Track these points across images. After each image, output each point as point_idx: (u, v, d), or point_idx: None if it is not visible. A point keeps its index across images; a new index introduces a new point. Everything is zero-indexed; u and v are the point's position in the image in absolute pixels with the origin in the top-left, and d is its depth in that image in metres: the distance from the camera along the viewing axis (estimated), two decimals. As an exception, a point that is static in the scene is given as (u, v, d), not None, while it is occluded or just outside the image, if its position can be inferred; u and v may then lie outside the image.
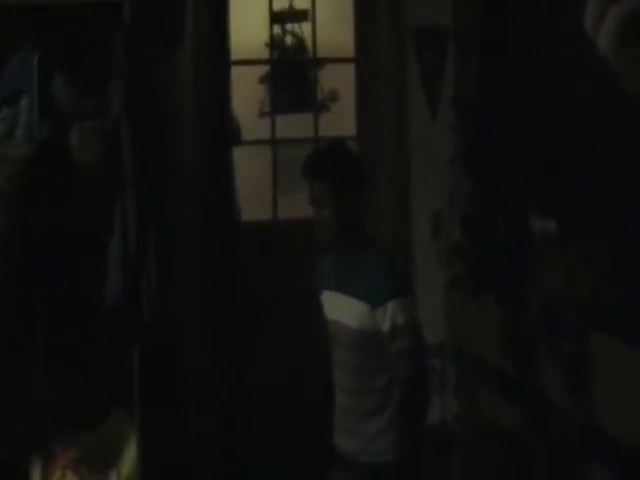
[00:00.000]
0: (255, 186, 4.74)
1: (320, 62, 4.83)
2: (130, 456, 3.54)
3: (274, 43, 4.79)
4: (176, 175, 4.06)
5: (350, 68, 4.74)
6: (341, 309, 3.05)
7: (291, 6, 4.84)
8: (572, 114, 3.41)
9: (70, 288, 3.50)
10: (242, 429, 4.48)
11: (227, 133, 4.48)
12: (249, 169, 4.75)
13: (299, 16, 4.82)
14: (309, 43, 4.78)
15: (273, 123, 4.70)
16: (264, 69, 4.79)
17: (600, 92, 2.83)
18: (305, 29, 4.80)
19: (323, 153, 3.13)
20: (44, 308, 3.51)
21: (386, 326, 2.93)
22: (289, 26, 4.84)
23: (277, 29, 4.81)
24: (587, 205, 3.34)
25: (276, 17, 4.75)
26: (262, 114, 4.77)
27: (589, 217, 3.33)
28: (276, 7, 4.74)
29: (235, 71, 4.60)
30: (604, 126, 3.12)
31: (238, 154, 4.56)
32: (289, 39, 4.85)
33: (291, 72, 4.85)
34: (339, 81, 4.85)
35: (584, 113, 3.29)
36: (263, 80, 4.78)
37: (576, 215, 3.44)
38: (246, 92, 4.71)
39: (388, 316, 2.92)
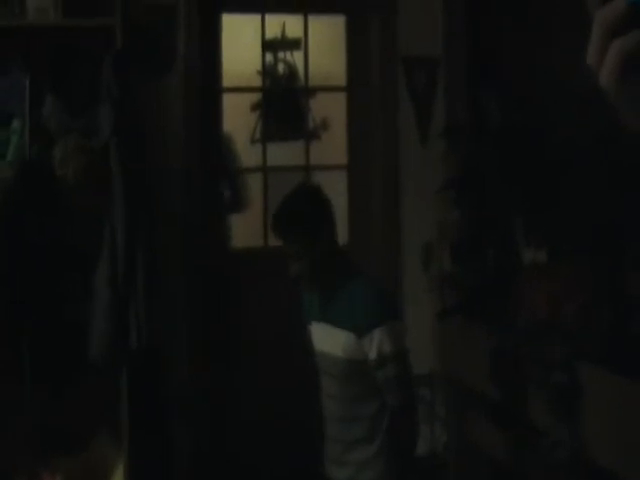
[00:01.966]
0: (246, 213, 4.73)
1: (312, 90, 4.84)
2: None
3: (266, 71, 4.80)
4: (166, 199, 4.06)
5: (341, 97, 4.75)
6: (327, 339, 3.03)
7: (283, 35, 4.85)
8: (562, 141, 3.43)
9: (56, 309, 3.48)
10: (229, 453, 4.44)
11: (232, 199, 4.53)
12: (240, 196, 4.75)
13: (291, 45, 4.83)
14: (301, 71, 4.79)
15: (264, 150, 4.70)
16: (256, 96, 4.80)
17: (590, 119, 2.85)
18: (297, 58, 4.81)
19: (285, 212, 3.02)
20: (30, 329, 3.49)
21: (372, 355, 2.91)
22: (281, 54, 4.85)
23: (269, 57, 4.82)
24: (578, 232, 3.34)
25: (268, 45, 4.77)
26: (253, 141, 4.77)
27: (579, 244, 3.33)
28: (268, 35, 4.75)
29: (227, 98, 4.61)
30: (595, 153, 3.13)
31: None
32: (281, 67, 4.85)
33: (283, 100, 4.85)
34: (330, 110, 4.86)
35: (574, 140, 3.30)
36: (255, 107, 4.78)
37: (566, 242, 3.44)
38: (238, 119, 4.71)
39: (374, 345, 2.90)
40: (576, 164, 3.36)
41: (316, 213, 3.01)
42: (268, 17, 4.71)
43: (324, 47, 4.83)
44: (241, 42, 4.71)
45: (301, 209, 3.01)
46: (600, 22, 0.67)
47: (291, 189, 3.14)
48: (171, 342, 4.08)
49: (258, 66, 4.75)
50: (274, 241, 4.65)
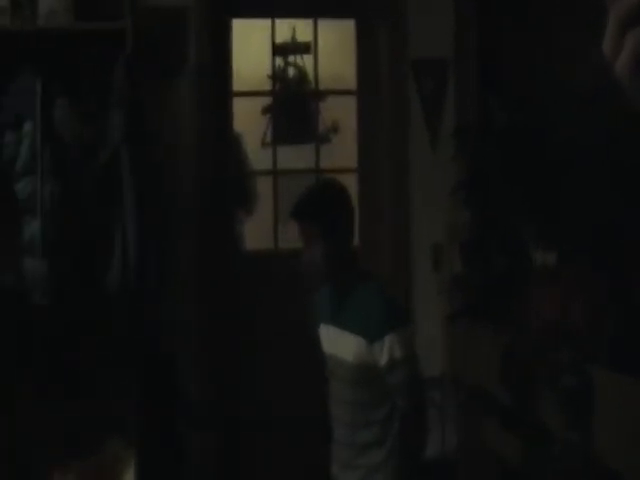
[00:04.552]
0: (256, 215, 4.75)
1: (322, 94, 4.85)
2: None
3: (276, 75, 4.82)
4: (177, 202, 4.07)
5: (352, 100, 4.76)
6: (337, 343, 3.03)
7: (293, 38, 4.87)
8: (571, 144, 3.42)
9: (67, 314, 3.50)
10: (241, 460, 4.45)
11: (241, 199, 4.54)
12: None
13: (301, 48, 4.85)
14: (311, 75, 4.81)
15: (275, 154, 4.72)
16: (266, 100, 4.81)
17: (590, 119, 2.85)
18: (307, 61, 4.82)
19: (310, 196, 3.07)
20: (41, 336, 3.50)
21: (383, 360, 2.91)
22: (291, 58, 4.87)
23: (279, 61, 4.84)
24: (586, 236, 3.33)
25: (278, 49, 4.79)
26: (264, 145, 4.79)
27: (588, 248, 3.33)
28: (278, 39, 4.77)
29: (237, 102, 4.63)
30: (605, 156, 3.12)
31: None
32: (291, 71, 4.87)
33: (293, 104, 4.87)
34: (340, 113, 4.88)
35: (583, 142, 3.30)
36: (265, 111, 4.80)
37: (575, 246, 3.44)
38: (248, 123, 4.73)
39: (385, 350, 2.90)
40: (578, 164, 3.35)
41: (337, 201, 3.04)
42: (278, 21, 4.73)
43: (334, 51, 4.85)
44: (251, 46, 4.73)
45: (323, 194, 3.07)
46: (616, 12, 0.66)
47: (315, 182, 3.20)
48: (182, 344, 4.10)
49: (268, 70, 4.77)
50: (285, 243, 4.69)
